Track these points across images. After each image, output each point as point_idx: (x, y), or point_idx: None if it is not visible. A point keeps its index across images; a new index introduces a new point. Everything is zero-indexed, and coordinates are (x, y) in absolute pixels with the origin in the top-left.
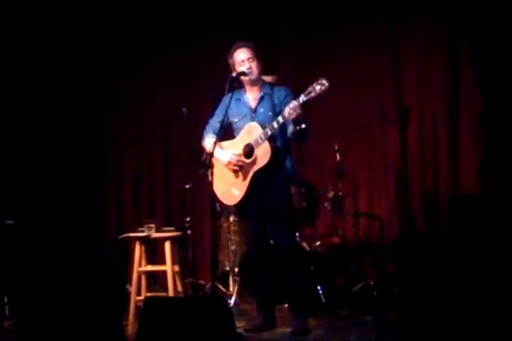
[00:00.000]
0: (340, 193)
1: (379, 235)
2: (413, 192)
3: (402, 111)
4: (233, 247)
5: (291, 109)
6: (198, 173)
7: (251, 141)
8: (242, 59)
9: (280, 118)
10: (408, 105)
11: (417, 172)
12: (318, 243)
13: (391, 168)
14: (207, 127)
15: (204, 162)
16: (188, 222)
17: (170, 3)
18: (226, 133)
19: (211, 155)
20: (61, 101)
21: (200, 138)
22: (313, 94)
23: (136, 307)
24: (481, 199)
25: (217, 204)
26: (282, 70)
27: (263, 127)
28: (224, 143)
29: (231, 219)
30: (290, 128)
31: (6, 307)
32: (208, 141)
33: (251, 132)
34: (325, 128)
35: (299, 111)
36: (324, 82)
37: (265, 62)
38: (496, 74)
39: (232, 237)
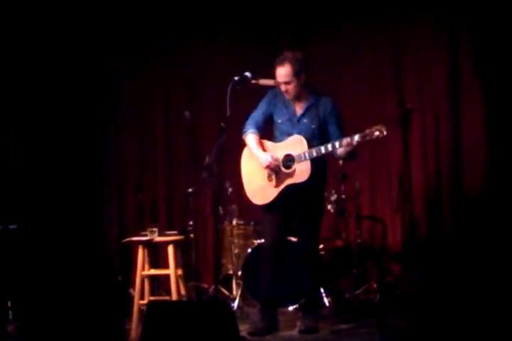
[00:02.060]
0: (343, 196)
1: (382, 238)
2: (416, 194)
3: (404, 114)
4: (236, 250)
5: (348, 142)
6: (201, 177)
7: (294, 153)
8: (280, 81)
9: (329, 147)
10: (410, 108)
11: (419, 174)
12: (321, 246)
13: (394, 170)
14: (249, 120)
15: (207, 165)
16: (191, 225)
17: (171, 6)
18: (266, 127)
19: (217, 154)
20: (64, 105)
21: (202, 141)
22: (367, 138)
23: (140, 311)
24: (484, 200)
25: (220, 208)
26: None
27: (310, 144)
28: (267, 143)
29: (234, 222)
30: (339, 151)
31: (10, 312)
32: (250, 136)
33: (295, 144)
34: None
35: (350, 147)
36: (383, 130)
37: (266, 64)
38: (498, 74)
39: (235, 240)
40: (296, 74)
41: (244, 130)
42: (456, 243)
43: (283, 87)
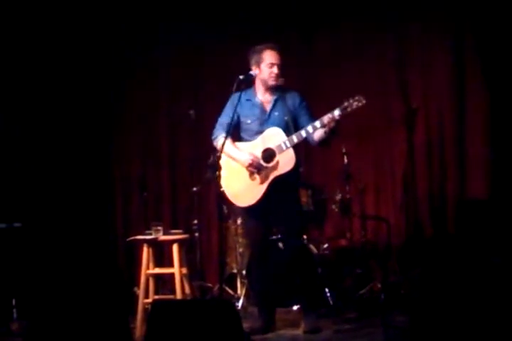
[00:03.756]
0: (348, 196)
1: (386, 238)
2: (420, 194)
3: (409, 114)
4: (240, 249)
5: (330, 118)
6: (205, 176)
7: (272, 145)
8: (273, 62)
9: (310, 128)
10: (415, 108)
11: (424, 174)
12: (325, 245)
13: (398, 170)
14: (217, 126)
15: (211, 164)
16: (195, 224)
17: (175, 5)
18: (234, 132)
19: (219, 155)
20: (69, 105)
21: (207, 140)
22: (349, 110)
23: (144, 309)
24: (488, 202)
25: (224, 207)
26: (287, 72)
27: (287, 134)
28: (240, 145)
29: (238, 221)
30: (317, 134)
31: (14, 310)
32: (221, 141)
33: (271, 137)
34: None
35: (333, 124)
36: (361, 98)
37: None
38: (503, 73)
39: (240, 239)
40: (283, 61)
41: (214, 136)
42: (461, 243)
43: (275, 69)
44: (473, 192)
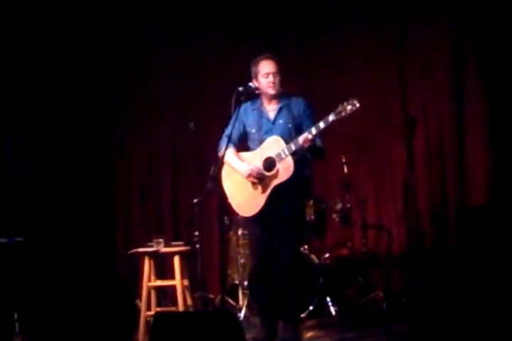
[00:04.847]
0: (348, 205)
1: (387, 247)
2: (421, 202)
3: (408, 123)
4: (242, 260)
5: (322, 129)
6: (206, 187)
7: (272, 154)
8: (267, 72)
9: (306, 135)
10: (414, 117)
11: (424, 183)
12: (327, 255)
13: (398, 179)
14: (223, 137)
15: (212, 176)
16: (196, 236)
17: (174, 12)
18: (243, 142)
19: (221, 166)
20: (70, 114)
21: (208, 151)
22: (343, 114)
23: (146, 322)
24: (489, 210)
25: (225, 218)
26: (286, 78)
27: (286, 141)
28: (243, 154)
29: (239, 232)
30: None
31: (17, 324)
32: (225, 153)
33: (272, 145)
34: (332, 140)
35: (309, 143)
36: (355, 102)
37: None
38: (502, 78)
39: (241, 250)
40: (280, 70)
41: (219, 148)
42: (462, 250)
43: (271, 78)
44: (473, 199)
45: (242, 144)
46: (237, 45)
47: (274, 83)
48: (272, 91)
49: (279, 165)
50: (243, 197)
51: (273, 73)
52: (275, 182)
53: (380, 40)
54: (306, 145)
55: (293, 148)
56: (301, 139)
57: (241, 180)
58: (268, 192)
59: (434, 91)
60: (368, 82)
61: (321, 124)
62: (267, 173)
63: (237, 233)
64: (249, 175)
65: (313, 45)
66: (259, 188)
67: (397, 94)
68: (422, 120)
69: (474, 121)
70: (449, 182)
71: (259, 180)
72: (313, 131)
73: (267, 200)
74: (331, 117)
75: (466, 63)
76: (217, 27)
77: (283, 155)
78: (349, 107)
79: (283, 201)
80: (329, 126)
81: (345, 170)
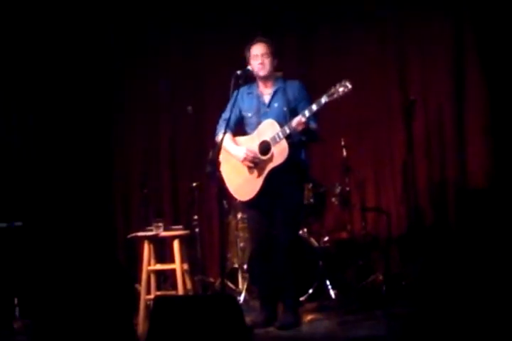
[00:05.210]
0: (348, 188)
1: (387, 229)
2: (420, 185)
3: (407, 106)
4: (241, 244)
5: (316, 111)
6: (205, 171)
7: (267, 138)
8: (256, 53)
9: (298, 118)
10: (413, 100)
11: (423, 165)
12: (326, 238)
13: (398, 161)
14: (220, 121)
15: (211, 160)
16: (196, 220)
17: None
18: (240, 126)
19: (218, 150)
20: (69, 102)
21: (207, 136)
22: (335, 96)
23: (146, 306)
24: (488, 192)
25: (224, 202)
26: (286, 65)
27: (281, 125)
28: (239, 139)
29: (239, 216)
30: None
31: (16, 309)
32: (222, 138)
33: (267, 129)
34: (331, 123)
35: (303, 126)
36: (347, 84)
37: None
38: (502, 63)
39: (241, 234)
40: (272, 52)
41: (216, 132)
42: (461, 232)
43: (259, 59)
44: (473, 181)
45: (240, 129)
46: (237, 30)
47: (262, 64)
48: (261, 73)
49: (273, 149)
50: (239, 182)
51: (262, 55)
52: (270, 165)
53: (380, 24)
54: (300, 128)
55: (287, 131)
56: (294, 122)
57: (237, 164)
58: (264, 175)
59: (434, 74)
60: (367, 65)
61: (314, 107)
62: (263, 157)
63: (236, 217)
64: (245, 159)
65: (314, 33)
66: (255, 172)
67: (397, 77)
68: (422, 102)
69: (474, 103)
70: (448, 164)
71: (255, 164)
72: (307, 113)
73: (262, 184)
74: (324, 99)
75: (466, 47)
76: (218, 13)
77: (277, 139)
78: (341, 89)
79: (279, 185)
80: (323, 109)
81: (345, 153)
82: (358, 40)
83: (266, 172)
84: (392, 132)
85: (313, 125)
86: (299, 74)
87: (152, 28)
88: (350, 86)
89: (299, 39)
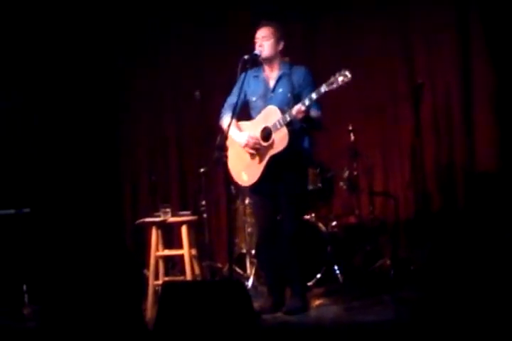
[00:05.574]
0: (355, 173)
1: (395, 214)
2: (428, 169)
3: (415, 90)
4: (249, 229)
5: (296, 110)
6: (212, 157)
7: (269, 124)
8: (257, 36)
9: (298, 107)
10: (421, 83)
11: (431, 149)
12: (334, 223)
13: (405, 145)
14: (225, 105)
15: (219, 145)
16: (203, 205)
17: None
18: (243, 110)
19: (225, 136)
20: (76, 90)
21: (214, 120)
22: (335, 85)
23: (155, 291)
24: (497, 176)
25: (232, 187)
26: (292, 51)
27: (282, 111)
28: (242, 124)
29: (246, 201)
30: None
31: (25, 295)
32: (226, 120)
33: (270, 115)
34: (338, 108)
35: (302, 114)
36: (347, 73)
37: None
38: (509, 48)
39: (248, 219)
40: (276, 35)
41: (221, 115)
42: (470, 217)
43: (259, 42)
44: (482, 165)
45: (244, 112)
46: (241, 15)
47: (262, 46)
48: (262, 55)
49: (274, 136)
50: (241, 167)
51: (262, 37)
52: (271, 152)
53: (385, 13)
54: (300, 116)
55: (287, 118)
56: (294, 110)
57: (240, 149)
58: (264, 162)
59: (441, 57)
60: (373, 49)
61: (314, 95)
62: (264, 143)
63: (244, 202)
64: (246, 145)
65: (319, 19)
66: (257, 158)
67: (404, 60)
68: (429, 86)
69: (481, 87)
70: (456, 148)
71: (256, 150)
72: (306, 102)
73: (263, 171)
74: (323, 88)
75: (472, 36)
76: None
77: (278, 126)
78: (341, 78)
79: (280, 171)
80: (325, 96)
81: (352, 137)
82: (360, 22)
83: (267, 158)
84: (399, 116)
85: (315, 113)
86: (303, 59)
87: (152, 19)
88: (349, 75)
89: (303, 23)
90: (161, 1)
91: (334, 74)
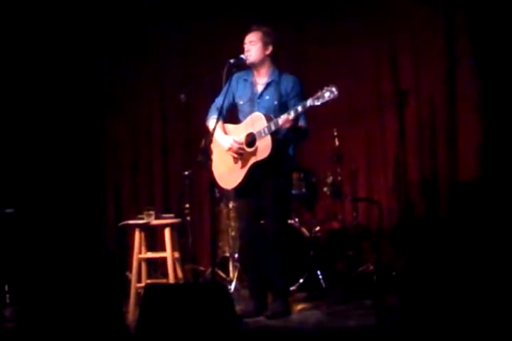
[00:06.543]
0: (339, 178)
1: (378, 220)
2: (412, 176)
3: (399, 96)
4: (233, 233)
5: (283, 120)
6: (196, 160)
7: (254, 131)
8: (245, 41)
9: (284, 116)
10: (405, 90)
11: (415, 156)
12: (317, 228)
13: (390, 152)
14: (212, 106)
15: (203, 148)
16: (187, 208)
17: None
18: (232, 112)
19: (210, 139)
20: (58, 89)
21: (198, 124)
22: (321, 101)
23: (137, 294)
24: (480, 184)
25: (216, 191)
26: (279, 57)
27: (268, 119)
28: (228, 127)
29: (230, 205)
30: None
31: (7, 296)
32: (212, 122)
33: (256, 121)
34: (323, 113)
35: (290, 123)
36: (334, 89)
37: None
38: (494, 55)
39: (232, 223)
40: (263, 40)
41: (207, 117)
42: (453, 224)
43: (246, 47)
44: (465, 173)
45: (231, 115)
46: (229, 19)
47: (248, 51)
48: (248, 59)
49: (258, 143)
50: (224, 169)
51: (249, 42)
52: (253, 159)
53: (369, 13)
54: (287, 125)
55: (272, 128)
56: (281, 120)
57: (223, 152)
58: (247, 167)
59: (426, 64)
60: (359, 54)
61: (299, 108)
62: (248, 149)
63: (228, 205)
64: (230, 149)
65: (304, 21)
66: (239, 163)
67: (388, 66)
68: (414, 93)
69: (466, 94)
70: (439, 155)
71: (240, 154)
72: (292, 113)
73: (245, 176)
74: (309, 103)
75: (457, 35)
76: (211, 3)
77: (263, 134)
78: (327, 94)
79: (263, 179)
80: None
81: (337, 143)
82: (346, 29)
83: (249, 164)
84: (384, 122)
85: (301, 122)
86: (289, 65)
87: (144, 14)
88: (336, 92)
89: (290, 30)
90: (151, 4)
91: (322, 89)
